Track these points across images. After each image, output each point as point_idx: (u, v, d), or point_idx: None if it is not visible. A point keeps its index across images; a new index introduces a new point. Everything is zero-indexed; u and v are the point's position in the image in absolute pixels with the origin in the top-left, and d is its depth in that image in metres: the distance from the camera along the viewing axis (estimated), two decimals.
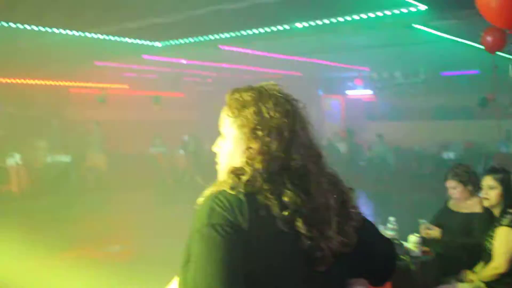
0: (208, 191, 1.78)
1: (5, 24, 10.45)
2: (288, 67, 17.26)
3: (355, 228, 1.86)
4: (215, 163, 2.01)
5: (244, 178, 1.74)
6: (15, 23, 10.50)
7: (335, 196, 1.84)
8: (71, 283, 7.40)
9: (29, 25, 10.67)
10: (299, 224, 1.72)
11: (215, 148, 1.97)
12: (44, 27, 10.90)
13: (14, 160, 15.19)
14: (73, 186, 16.33)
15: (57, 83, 19.07)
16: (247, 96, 1.87)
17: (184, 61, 15.89)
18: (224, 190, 1.73)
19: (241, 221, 1.66)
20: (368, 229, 1.98)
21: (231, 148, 1.88)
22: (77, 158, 17.48)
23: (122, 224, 11.64)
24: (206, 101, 20.35)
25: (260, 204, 1.70)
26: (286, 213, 1.70)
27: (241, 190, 1.72)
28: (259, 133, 1.79)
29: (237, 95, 1.90)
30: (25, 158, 15.77)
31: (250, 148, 1.79)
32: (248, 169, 1.75)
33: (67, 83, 19.42)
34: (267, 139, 1.78)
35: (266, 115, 1.81)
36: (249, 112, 1.82)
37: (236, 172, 1.77)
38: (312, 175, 1.81)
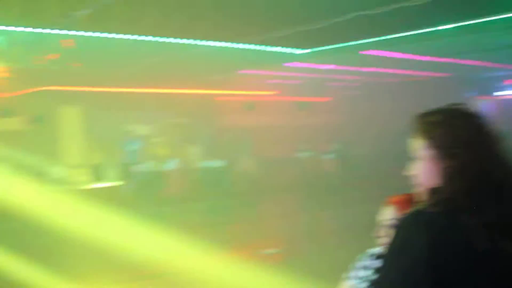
0: (408, 210, 1.84)
1: (156, 38, 11.15)
2: (436, 68, 16.79)
3: None
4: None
5: (444, 197, 1.77)
6: (166, 37, 11.18)
7: None
8: (226, 284, 7.73)
9: (179, 38, 11.31)
10: (503, 240, 1.71)
11: (411, 171, 1.99)
12: (192, 39, 11.52)
13: (172, 165, 16.03)
14: (226, 189, 16.89)
15: (207, 92, 19.88)
16: (436, 118, 1.91)
17: (329, 67, 15.98)
18: (424, 211, 1.78)
19: (435, 247, 1.70)
20: None
21: (428, 169, 1.90)
22: (229, 163, 18.09)
23: (275, 227, 11.91)
24: (352, 105, 20.28)
25: (460, 224, 1.72)
26: (488, 230, 1.71)
27: (441, 209, 1.75)
28: (454, 151, 1.82)
29: (426, 119, 1.94)
30: (182, 163, 16.61)
31: (447, 167, 1.82)
32: (446, 188, 1.79)
33: (216, 92, 20.19)
34: (463, 156, 1.80)
35: (459, 133, 1.84)
36: (442, 132, 1.86)
37: (435, 192, 1.81)
38: (510, 187, 1.80)
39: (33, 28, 9.83)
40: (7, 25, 9.71)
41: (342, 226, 11.46)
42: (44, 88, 15.91)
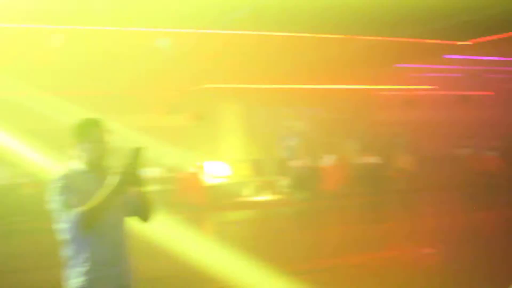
0: None
1: (312, 35, 11.28)
2: None
3: None
4: None
5: None
6: (321, 33, 11.27)
7: None
8: (379, 283, 7.64)
9: (335, 33, 11.35)
10: None
11: None
12: (349, 34, 11.49)
13: (329, 160, 16.10)
14: (383, 187, 16.68)
15: (364, 87, 19.68)
16: None
17: (492, 58, 15.22)
18: None
19: None
20: None
21: None
22: (385, 159, 17.84)
23: (433, 227, 11.57)
24: None
25: None
26: None
27: None
28: None
29: None
30: (338, 159, 16.64)
31: None
32: None
33: (373, 86, 19.92)
34: None
35: None
36: None
37: None
38: None
39: (195, 29, 10.38)
40: (172, 28, 10.32)
41: (504, 229, 10.87)
42: (206, 86, 16.61)
